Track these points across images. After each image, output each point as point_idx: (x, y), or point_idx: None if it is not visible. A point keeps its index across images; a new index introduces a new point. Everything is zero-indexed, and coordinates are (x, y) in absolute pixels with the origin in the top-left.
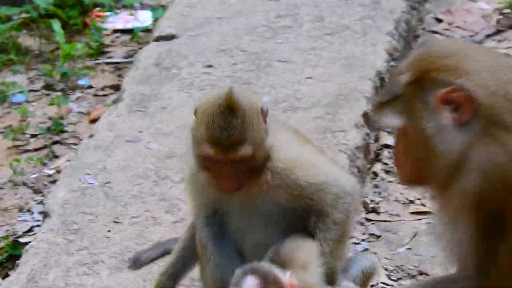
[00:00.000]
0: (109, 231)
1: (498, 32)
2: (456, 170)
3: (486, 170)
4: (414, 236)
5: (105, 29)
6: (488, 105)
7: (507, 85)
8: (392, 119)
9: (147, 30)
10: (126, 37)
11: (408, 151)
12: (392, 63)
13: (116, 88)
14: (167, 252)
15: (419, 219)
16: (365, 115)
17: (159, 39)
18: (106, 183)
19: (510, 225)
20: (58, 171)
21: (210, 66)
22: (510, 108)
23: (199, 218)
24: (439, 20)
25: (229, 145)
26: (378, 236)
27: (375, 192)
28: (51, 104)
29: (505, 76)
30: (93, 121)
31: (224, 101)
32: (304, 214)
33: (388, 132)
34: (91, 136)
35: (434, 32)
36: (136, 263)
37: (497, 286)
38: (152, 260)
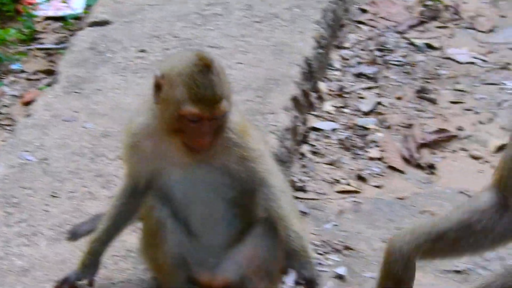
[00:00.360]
0: (47, 205)
1: (421, 23)
2: None
3: None
4: (340, 213)
5: (37, 16)
6: None
7: None
8: None
9: (78, 18)
10: (58, 24)
11: None
12: (320, 51)
13: (48, 72)
14: None
15: (344, 198)
16: (293, 99)
17: (93, 24)
18: (44, 159)
19: None
20: None
21: (143, 51)
22: None
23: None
24: (364, 11)
25: (213, 102)
26: (306, 213)
27: (302, 172)
28: None
29: None
30: (26, 103)
31: (200, 60)
32: (249, 185)
33: (316, 116)
34: (28, 115)
35: (359, 22)
36: (74, 235)
37: None
38: (89, 232)
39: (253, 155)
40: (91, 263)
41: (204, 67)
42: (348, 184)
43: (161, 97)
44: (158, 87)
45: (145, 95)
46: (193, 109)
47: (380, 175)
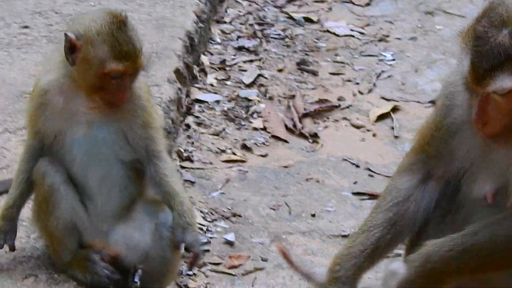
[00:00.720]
0: None
1: None
2: None
3: None
4: (227, 182)
5: None
6: None
7: None
8: (507, 81)
9: None
10: None
11: None
12: (200, 25)
13: None
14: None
15: (230, 167)
16: (177, 72)
17: None
18: None
19: None
20: None
21: (26, 27)
22: None
23: (44, 161)
24: None
25: (135, 56)
26: (193, 182)
27: (188, 142)
28: None
29: None
30: None
31: (115, 18)
32: (144, 154)
33: (199, 89)
34: None
35: None
36: None
37: None
38: None
39: (155, 124)
40: (9, 228)
41: (121, 24)
42: (234, 154)
43: (79, 58)
44: (73, 48)
45: (49, 55)
46: (117, 66)
47: (264, 144)
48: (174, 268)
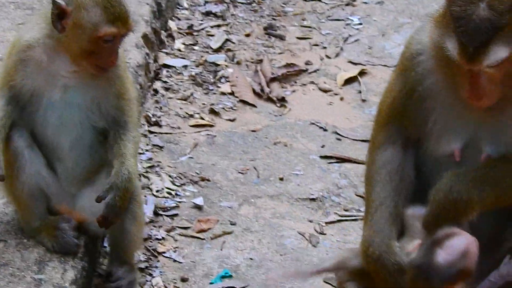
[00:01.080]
0: None
1: None
2: None
3: None
4: (195, 146)
5: None
6: None
7: None
8: (500, 52)
9: None
10: None
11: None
12: None
13: None
14: None
15: (198, 131)
16: (144, 37)
17: None
18: None
19: None
20: None
21: None
22: None
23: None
24: None
25: (126, 18)
26: (161, 147)
27: (156, 107)
28: None
29: None
30: None
31: None
32: (112, 122)
33: (167, 54)
34: None
35: None
36: None
37: None
38: None
39: (127, 96)
40: None
41: None
42: (202, 118)
43: (70, 24)
44: (61, 15)
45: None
46: (111, 28)
47: (232, 109)
48: (138, 233)
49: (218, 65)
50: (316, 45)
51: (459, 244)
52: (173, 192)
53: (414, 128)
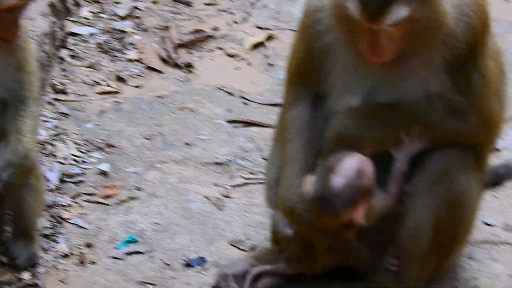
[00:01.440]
0: None
1: None
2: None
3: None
4: (101, 113)
5: None
6: None
7: None
8: (400, 11)
9: None
10: None
11: (410, 35)
12: None
13: None
14: None
15: (104, 98)
16: (50, 5)
17: None
18: None
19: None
20: None
21: None
22: None
23: None
24: None
25: None
26: (67, 114)
27: (62, 75)
28: None
29: None
30: None
31: None
32: (10, 97)
33: (73, 22)
34: None
35: None
36: None
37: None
38: None
39: (28, 68)
40: None
41: None
42: (108, 85)
43: None
44: None
45: None
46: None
47: (139, 75)
48: (37, 205)
49: (125, 32)
50: (224, 10)
51: (351, 164)
52: (79, 159)
53: (318, 85)
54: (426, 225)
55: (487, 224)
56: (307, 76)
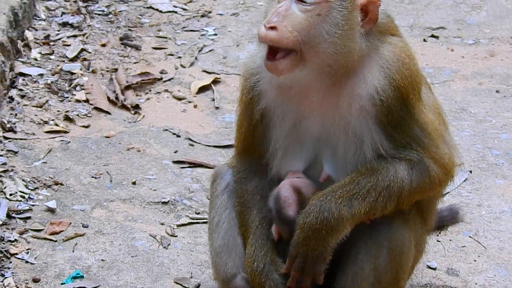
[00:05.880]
0: None
1: None
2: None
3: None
4: (49, 151)
5: None
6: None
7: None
8: None
9: None
10: None
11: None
12: (25, 1)
13: None
14: None
15: (53, 137)
16: (1, 46)
17: None
18: None
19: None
20: None
21: None
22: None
23: None
24: None
25: None
26: (16, 152)
27: (11, 114)
28: None
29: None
30: None
31: None
32: None
33: (23, 62)
34: None
35: None
36: None
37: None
38: None
39: None
40: None
41: None
42: (56, 125)
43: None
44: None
45: None
46: None
47: (87, 116)
48: None
49: (74, 73)
50: (171, 55)
51: (281, 193)
52: (26, 196)
53: (264, 155)
54: (367, 272)
55: (430, 268)
56: (254, 149)
